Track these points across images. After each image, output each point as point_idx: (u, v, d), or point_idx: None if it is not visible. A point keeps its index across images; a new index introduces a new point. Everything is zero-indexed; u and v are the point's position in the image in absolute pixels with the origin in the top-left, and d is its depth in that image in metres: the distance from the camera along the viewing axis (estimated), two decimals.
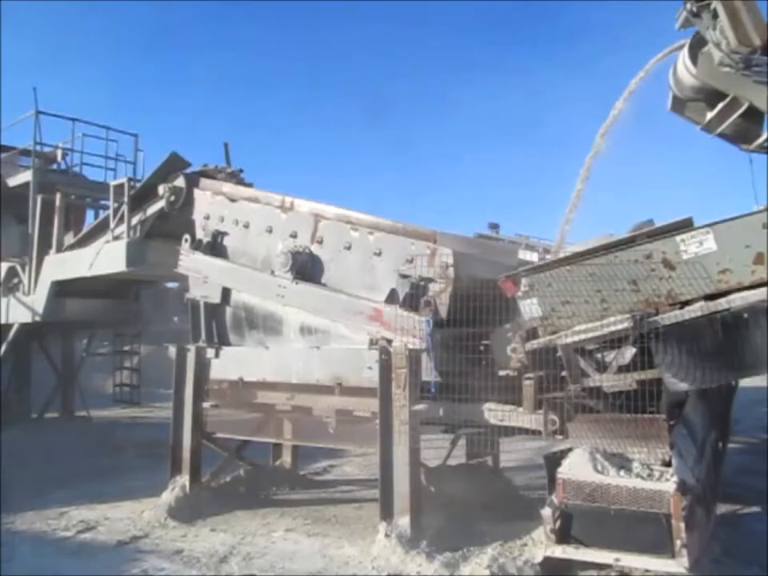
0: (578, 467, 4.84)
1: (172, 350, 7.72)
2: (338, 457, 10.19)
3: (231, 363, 7.38)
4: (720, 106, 6.27)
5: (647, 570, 4.79)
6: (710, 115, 6.48)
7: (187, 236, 7.86)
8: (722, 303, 4.88)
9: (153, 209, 8.62)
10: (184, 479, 7.45)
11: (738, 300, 4.84)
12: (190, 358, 7.55)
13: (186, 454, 7.51)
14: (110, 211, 9.23)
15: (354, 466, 9.89)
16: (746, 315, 4.92)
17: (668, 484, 4.50)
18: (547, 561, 4.90)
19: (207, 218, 7.88)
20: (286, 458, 8.81)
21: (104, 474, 9.47)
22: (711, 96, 6.45)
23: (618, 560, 4.56)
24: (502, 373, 5.73)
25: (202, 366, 7.52)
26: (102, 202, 11.54)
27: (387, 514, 5.76)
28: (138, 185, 9.09)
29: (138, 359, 13.26)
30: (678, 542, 4.31)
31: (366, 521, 6.62)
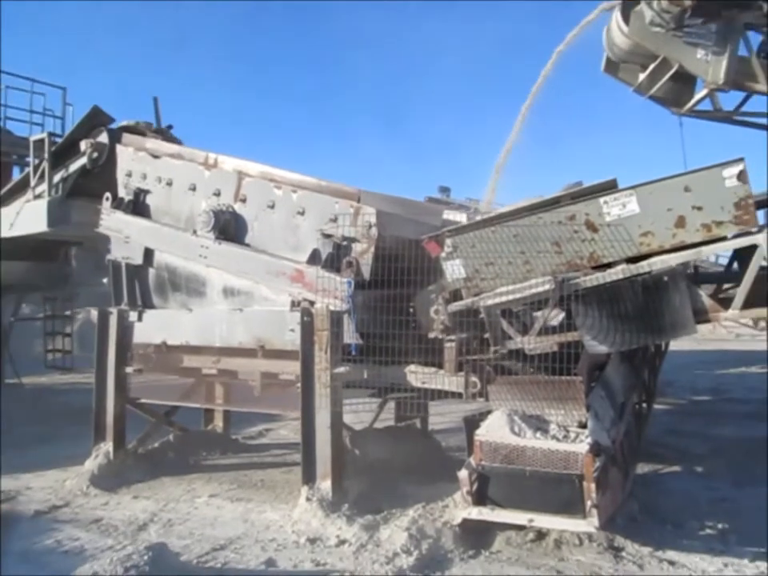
0: (495, 429, 4.81)
1: (94, 314, 7.46)
2: (275, 420, 10.09)
3: (155, 326, 7.15)
4: (651, 67, 6.24)
5: (563, 531, 4.84)
6: (641, 77, 6.46)
7: (108, 194, 7.54)
8: (644, 266, 4.88)
9: (75, 166, 8.19)
10: (108, 446, 7.24)
11: (658, 263, 4.85)
12: (113, 321, 7.29)
13: (110, 420, 7.29)
14: (30, 168, 8.78)
15: (291, 429, 9.77)
16: (665, 278, 4.92)
17: (581, 445, 4.50)
18: (466, 522, 4.90)
19: (129, 175, 7.55)
20: (218, 423, 8.66)
21: (34, 442, 9.17)
22: (643, 58, 6.41)
23: (531, 521, 4.56)
24: (431, 335, 5.64)
25: (125, 329, 7.27)
26: (28, 159, 11.01)
27: (309, 478, 5.70)
28: (60, 140, 8.66)
29: (70, 323, 12.80)
30: (589, 503, 4.32)
31: (293, 485, 6.53)
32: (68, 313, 12.77)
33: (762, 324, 17.30)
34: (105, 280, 12.34)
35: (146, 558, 4.21)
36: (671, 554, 4.69)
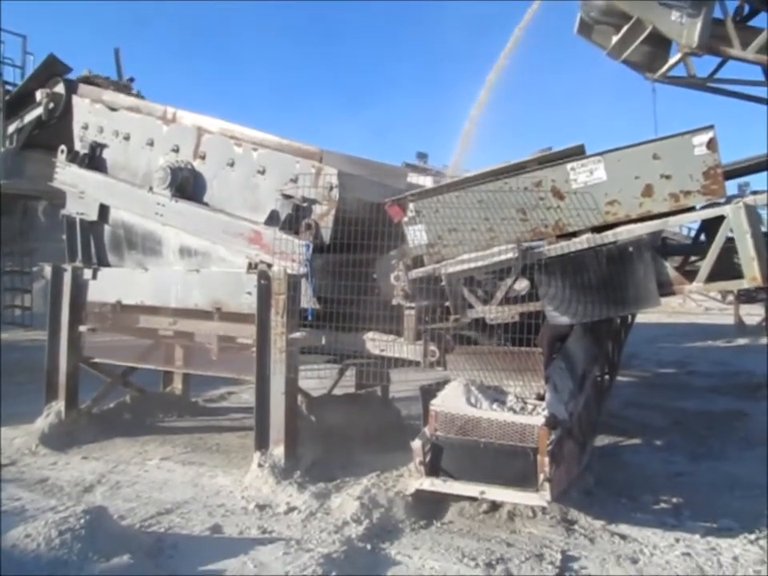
0: (451, 399, 4.70)
1: (47, 270, 7.20)
2: (238, 384, 9.83)
3: (109, 285, 6.91)
4: (625, 28, 6.02)
5: (517, 503, 4.77)
6: (614, 39, 6.24)
7: (63, 147, 7.24)
8: (609, 236, 4.76)
9: (30, 117, 7.93)
10: (60, 405, 7.03)
11: (624, 233, 4.73)
12: (66, 278, 7.03)
13: (62, 378, 7.07)
14: None
15: (254, 393, 9.62)
16: (630, 249, 4.81)
17: (537, 418, 4.41)
18: (420, 492, 4.81)
19: (86, 127, 7.24)
20: (177, 385, 8.48)
21: None
22: (617, 19, 6.18)
23: (483, 493, 4.48)
24: (394, 302, 5.50)
25: (79, 287, 7.02)
26: None
27: (262, 443, 5.59)
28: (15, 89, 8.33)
29: (30, 279, 12.45)
30: (542, 476, 4.24)
31: (248, 450, 6.37)
32: (34, 269, 12.41)
33: (730, 298, 17.46)
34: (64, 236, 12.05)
35: (82, 521, 4.03)
36: (623, 528, 4.64)
